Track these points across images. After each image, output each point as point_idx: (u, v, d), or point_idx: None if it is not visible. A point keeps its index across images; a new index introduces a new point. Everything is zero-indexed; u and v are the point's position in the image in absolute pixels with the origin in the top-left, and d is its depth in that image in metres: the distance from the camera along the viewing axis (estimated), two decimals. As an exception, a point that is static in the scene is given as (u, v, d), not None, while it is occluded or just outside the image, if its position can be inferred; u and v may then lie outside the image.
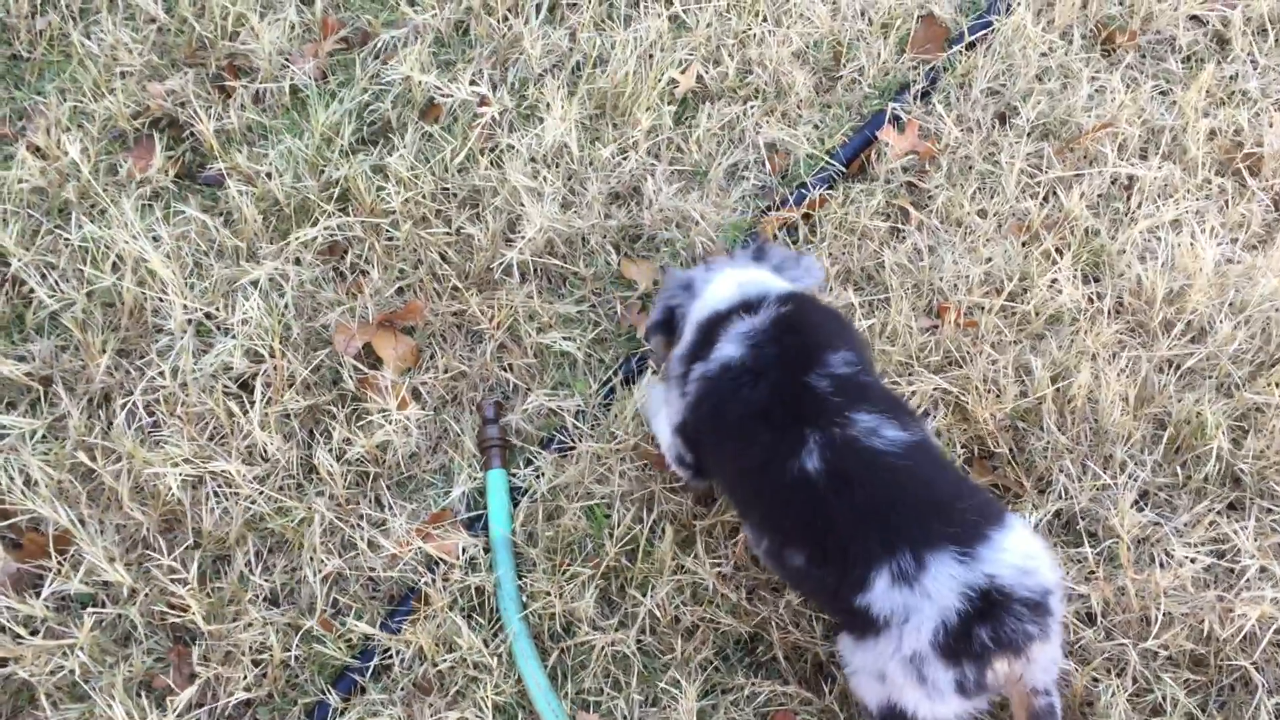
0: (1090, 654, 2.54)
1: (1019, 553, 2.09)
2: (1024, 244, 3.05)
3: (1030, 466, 2.77)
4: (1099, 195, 3.14)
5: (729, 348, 2.33)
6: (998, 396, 2.81)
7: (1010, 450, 2.79)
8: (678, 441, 2.50)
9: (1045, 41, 3.37)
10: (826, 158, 3.20)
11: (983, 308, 2.93)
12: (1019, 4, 3.44)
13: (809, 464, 2.14)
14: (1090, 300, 2.97)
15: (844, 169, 3.19)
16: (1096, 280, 3.03)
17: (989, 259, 3.01)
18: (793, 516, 2.23)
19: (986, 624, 2.03)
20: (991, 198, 3.13)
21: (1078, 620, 2.58)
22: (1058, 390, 2.81)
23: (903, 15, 3.44)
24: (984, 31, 3.40)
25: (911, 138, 3.21)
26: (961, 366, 2.86)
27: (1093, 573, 2.62)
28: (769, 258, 2.63)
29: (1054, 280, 2.96)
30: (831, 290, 2.97)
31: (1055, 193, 3.14)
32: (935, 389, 2.81)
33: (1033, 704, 2.18)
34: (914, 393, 2.80)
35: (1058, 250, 3.02)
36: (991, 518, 2.12)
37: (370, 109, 3.27)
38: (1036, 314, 2.93)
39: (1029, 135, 3.23)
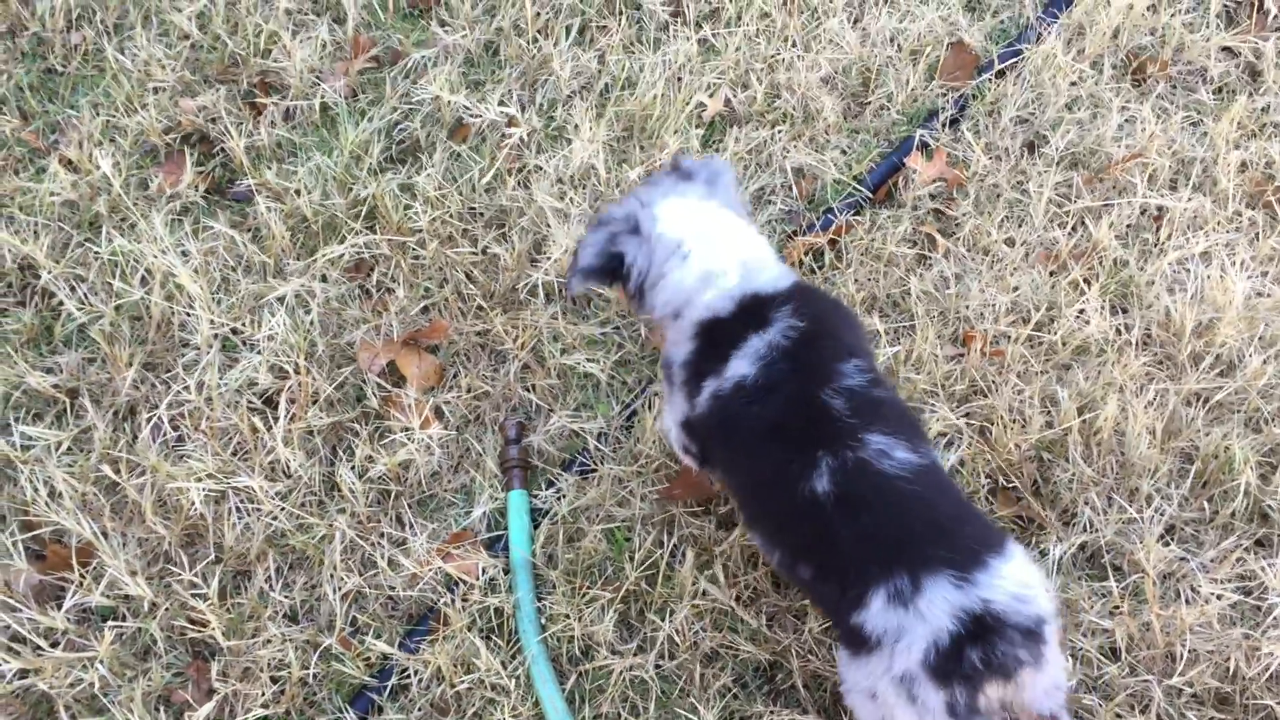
0: (1114, 690, 2.51)
1: (1015, 580, 2.06)
2: (1051, 273, 3.04)
3: (1055, 498, 2.75)
4: (1128, 226, 3.12)
5: (742, 365, 2.27)
6: (1023, 427, 2.79)
7: (1035, 482, 2.77)
8: (683, 434, 2.47)
9: (1075, 70, 3.36)
10: (854, 184, 3.19)
11: (1009, 337, 2.92)
12: (1050, 33, 3.43)
13: (819, 486, 2.13)
14: (1118, 331, 2.95)
15: (871, 195, 3.19)
16: (1124, 311, 3.01)
17: (1016, 288, 2.99)
18: (801, 534, 2.22)
19: (977, 647, 2.01)
20: (1019, 226, 3.12)
21: (1101, 655, 2.56)
22: (1084, 422, 2.79)
23: (932, 42, 3.43)
24: (1014, 59, 3.39)
25: (939, 165, 3.20)
26: (987, 396, 2.84)
27: (1117, 607, 2.60)
28: (695, 175, 2.51)
29: (1081, 311, 2.95)
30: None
31: (1084, 222, 3.13)
32: (960, 418, 2.79)
33: None
34: (936, 419, 2.78)
35: (1086, 280, 3.01)
36: (991, 544, 2.10)
37: (399, 128, 3.28)
38: (1063, 344, 2.91)
39: (1058, 164, 3.21)
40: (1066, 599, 2.62)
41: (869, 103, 3.36)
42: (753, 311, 2.31)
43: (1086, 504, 2.72)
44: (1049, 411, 2.83)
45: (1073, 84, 3.36)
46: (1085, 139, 3.25)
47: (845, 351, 2.27)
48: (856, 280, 3.03)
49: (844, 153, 3.29)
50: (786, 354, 2.25)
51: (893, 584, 2.05)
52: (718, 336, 2.32)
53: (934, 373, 2.85)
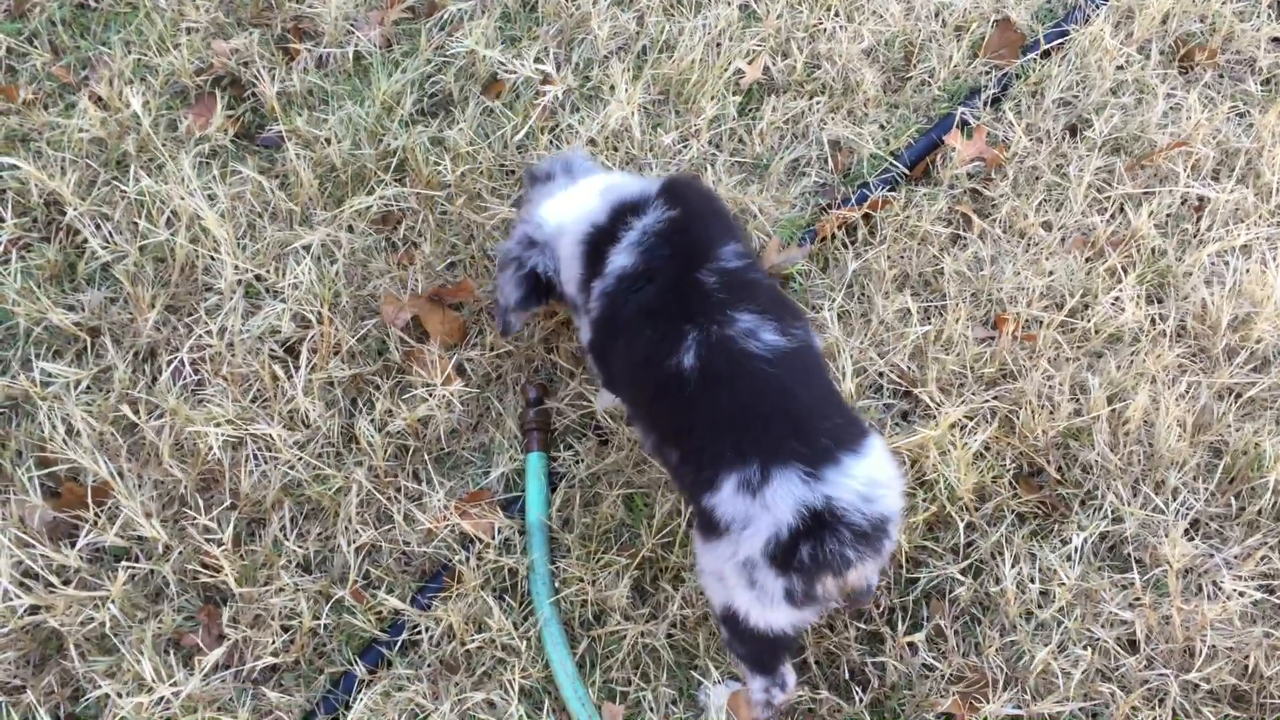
0: (1131, 682, 2.48)
1: (865, 478, 2.10)
2: (1088, 260, 2.99)
3: (1078, 486, 2.72)
4: (1168, 215, 3.07)
5: (621, 258, 2.33)
6: (1051, 413, 2.75)
7: (1060, 468, 2.73)
8: (593, 360, 2.53)
9: (1122, 54, 3.30)
10: (891, 159, 3.14)
11: (1041, 322, 2.87)
12: (1097, 15, 3.36)
13: (685, 361, 2.16)
14: (1152, 321, 2.90)
15: (908, 171, 3.14)
16: (1160, 301, 2.96)
17: (1051, 272, 2.95)
18: (669, 412, 2.26)
19: (810, 543, 2.07)
20: (1057, 210, 3.07)
21: (1120, 647, 2.53)
22: (1113, 411, 2.75)
23: (978, 19, 3.37)
24: (1060, 40, 3.33)
25: (979, 144, 3.15)
26: (1016, 380, 2.80)
27: (1138, 599, 2.57)
28: (553, 173, 2.66)
29: (1117, 298, 2.90)
30: (888, 296, 2.92)
31: (1123, 209, 3.07)
32: (988, 401, 2.76)
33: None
34: (963, 400, 2.75)
35: (1122, 268, 2.96)
36: (848, 441, 2.12)
37: (432, 80, 3.24)
38: (1096, 332, 2.87)
39: (1100, 149, 3.16)
40: (1086, 589, 2.59)
41: (910, 77, 3.31)
42: (625, 212, 2.39)
43: (1111, 492, 2.68)
44: (1078, 399, 2.79)
45: (1119, 68, 3.30)
46: (1129, 124, 3.19)
47: (723, 234, 2.34)
48: (889, 257, 2.98)
49: (882, 127, 3.24)
50: (663, 238, 2.31)
51: (744, 472, 2.09)
52: (598, 241, 2.40)
53: (963, 354, 2.81)
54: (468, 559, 2.62)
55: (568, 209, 2.53)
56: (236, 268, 2.90)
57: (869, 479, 2.09)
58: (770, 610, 2.18)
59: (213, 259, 2.92)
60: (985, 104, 3.24)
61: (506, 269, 2.60)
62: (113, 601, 2.51)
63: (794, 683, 2.41)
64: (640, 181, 2.51)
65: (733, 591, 2.20)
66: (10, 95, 3.14)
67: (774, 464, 2.07)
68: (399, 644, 2.56)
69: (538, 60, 3.23)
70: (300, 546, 2.64)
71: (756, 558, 2.10)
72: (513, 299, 2.60)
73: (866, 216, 3.06)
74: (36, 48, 3.24)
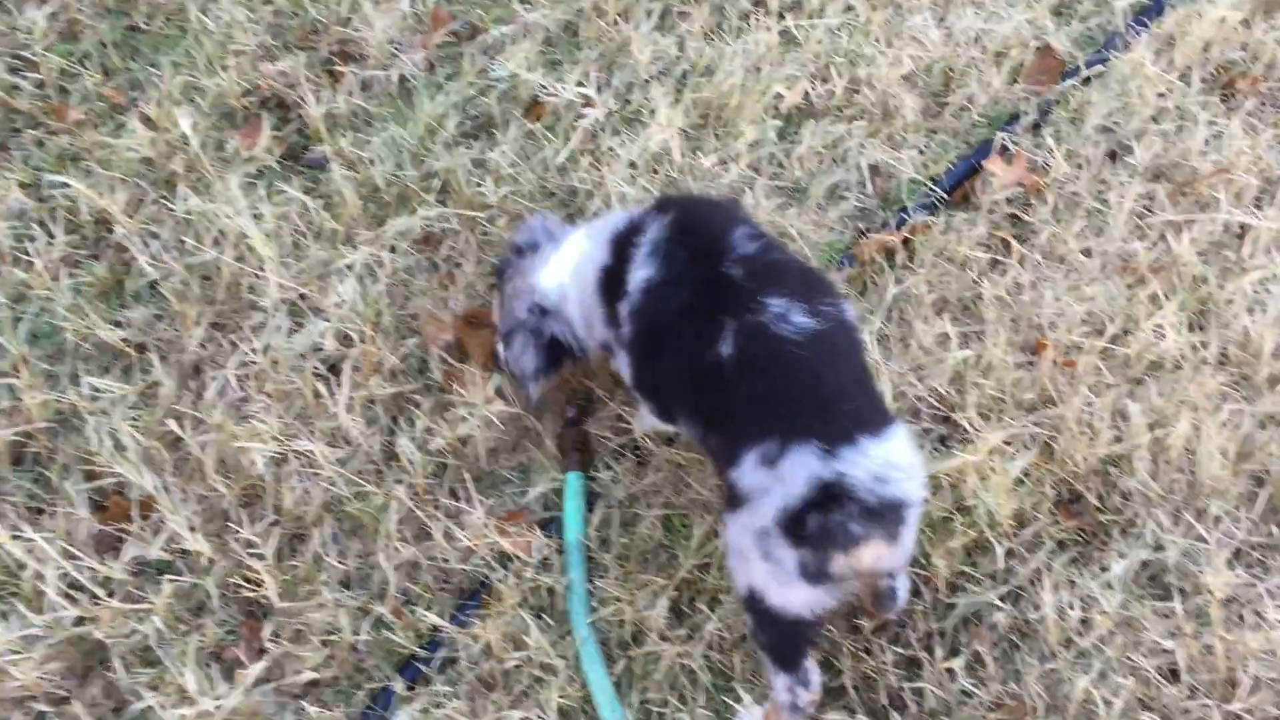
0: (1172, 712, 2.46)
1: (882, 460, 2.14)
2: (1129, 286, 2.98)
3: (1119, 513, 2.70)
4: (1210, 242, 3.06)
5: (641, 273, 2.38)
6: (1091, 440, 2.74)
7: (1100, 495, 2.72)
8: (642, 399, 2.58)
9: (1163, 81, 3.29)
10: (929, 184, 3.15)
11: (1081, 348, 2.87)
12: (1138, 42, 3.36)
13: (724, 350, 2.23)
14: (1194, 349, 2.89)
15: (947, 196, 3.14)
16: (1202, 329, 2.95)
17: (1091, 298, 2.94)
18: (711, 402, 2.32)
19: (819, 515, 2.11)
20: (1098, 236, 3.07)
21: (1161, 676, 2.51)
22: (1154, 438, 2.74)
23: (1018, 45, 3.38)
24: (1100, 67, 3.34)
25: (1019, 169, 3.15)
26: (1056, 406, 2.79)
27: (1180, 628, 2.55)
28: (536, 240, 2.71)
29: (1158, 326, 2.89)
30: (927, 320, 2.92)
31: (1164, 236, 3.07)
32: (1027, 426, 2.75)
33: (876, 585, 2.38)
34: (1002, 426, 2.74)
35: (1163, 295, 2.95)
36: (869, 423, 2.17)
37: (475, 103, 3.28)
38: (1137, 359, 2.86)
39: (1141, 175, 3.15)
40: (1127, 617, 2.57)
41: (949, 103, 3.32)
42: (625, 238, 2.45)
43: (1152, 520, 2.67)
44: (1118, 426, 2.78)
45: (1160, 95, 3.29)
46: (1170, 151, 3.19)
47: (727, 221, 2.41)
48: (928, 281, 2.99)
49: (921, 152, 3.25)
50: (674, 243, 2.37)
51: (764, 446, 2.16)
52: (610, 273, 2.46)
53: (1003, 379, 2.81)
54: (506, 577, 2.63)
55: (565, 267, 2.60)
56: (281, 286, 2.94)
57: (885, 461, 2.13)
58: (787, 587, 2.21)
59: (258, 277, 2.96)
60: (1025, 130, 3.24)
61: (516, 341, 2.68)
62: (157, 614, 2.54)
63: (818, 682, 2.40)
64: (622, 213, 2.58)
65: (752, 566, 2.24)
66: (62, 115, 3.20)
67: (793, 439, 2.14)
68: (437, 661, 2.58)
69: (579, 84, 3.27)
70: (341, 562, 2.67)
71: (770, 526, 2.16)
72: (531, 368, 2.68)
73: (905, 241, 3.06)
74: (88, 69, 3.31)
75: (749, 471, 2.19)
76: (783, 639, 2.35)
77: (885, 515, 2.13)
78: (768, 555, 2.19)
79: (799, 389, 2.20)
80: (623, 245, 2.44)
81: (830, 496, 2.11)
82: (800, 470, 2.12)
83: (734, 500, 2.25)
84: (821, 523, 2.11)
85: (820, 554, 2.14)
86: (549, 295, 2.63)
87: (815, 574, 2.17)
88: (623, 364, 2.54)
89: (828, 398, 2.20)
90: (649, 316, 2.39)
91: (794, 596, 2.22)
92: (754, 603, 2.29)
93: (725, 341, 2.22)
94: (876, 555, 2.17)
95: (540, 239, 2.71)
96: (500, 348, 2.77)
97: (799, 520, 2.13)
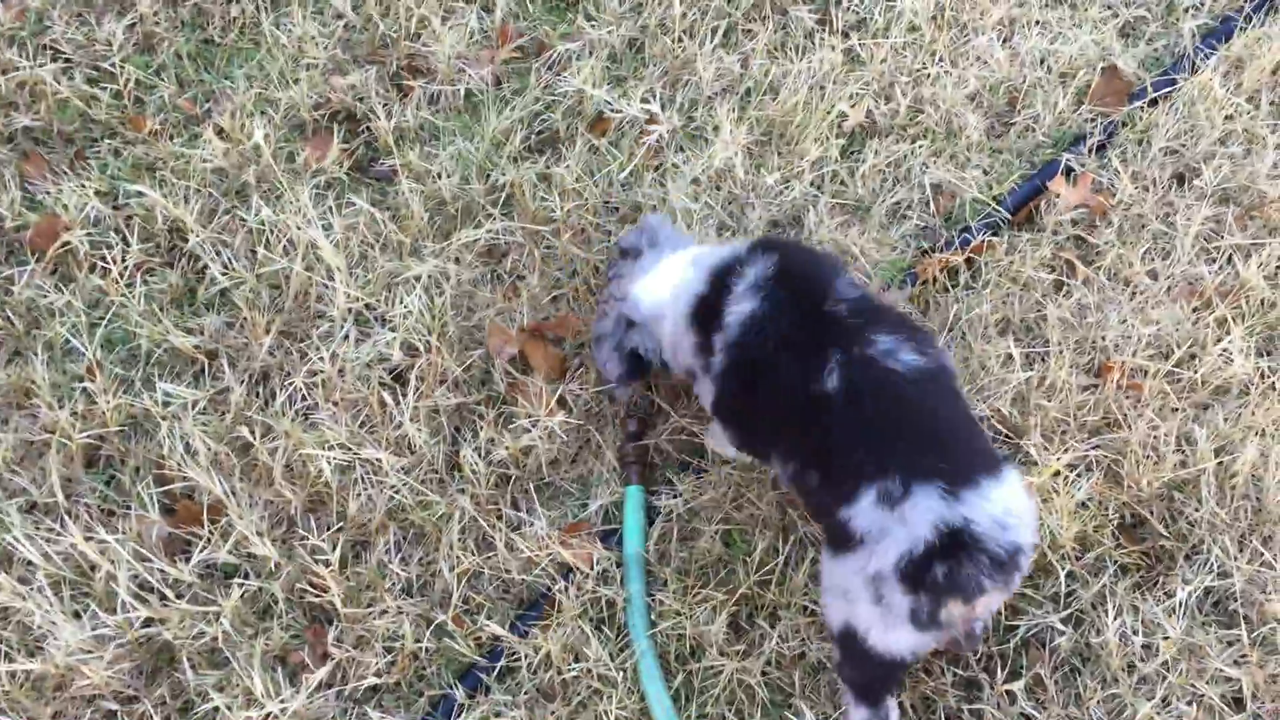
0: (1237, 741, 2.44)
1: (1002, 505, 2.09)
2: (1195, 310, 2.96)
3: (1183, 539, 2.68)
4: (1278, 266, 3.03)
5: (742, 306, 2.38)
6: (1156, 464, 2.72)
7: (1164, 520, 2.70)
8: (721, 427, 2.57)
9: (1231, 104, 3.27)
10: (993, 204, 3.15)
11: (1146, 371, 2.85)
12: (1206, 64, 3.34)
13: (829, 383, 2.20)
14: (1262, 375, 2.86)
15: (1010, 217, 3.14)
16: (1269, 354, 2.92)
17: (1157, 322, 2.92)
18: (812, 435, 2.27)
19: (946, 563, 2.06)
20: (1164, 259, 3.05)
21: (1225, 704, 2.48)
22: (1220, 464, 2.71)
23: (1083, 66, 3.37)
24: (1167, 89, 3.32)
25: (1083, 191, 3.14)
26: (1120, 429, 2.77)
27: (1245, 656, 2.52)
28: (640, 246, 2.74)
29: (1224, 350, 2.86)
30: (990, 340, 2.91)
31: (1231, 260, 3.04)
32: (1091, 449, 2.74)
33: (970, 627, 2.33)
34: (1066, 449, 2.73)
35: (1231, 319, 2.92)
36: (987, 465, 2.13)
37: (540, 118, 3.32)
38: (1203, 383, 2.83)
39: (1208, 199, 3.13)
40: (1191, 644, 2.55)
41: (1014, 123, 3.31)
42: (726, 272, 2.45)
43: (1217, 546, 2.64)
44: (1184, 450, 2.76)
45: (1227, 118, 3.27)
46: (1238, 175, 3.16)
47: (831, 270, 2.42)
48: (991, 301, 2.98)
49: (985, 172, 3.24)
50: (777, 282, 2.37)
51: (884, 484, 2.10)
52: (706, 303, 2.47)
53: (1067, 401, 2.80)
54: (567, 588, 2.66)
55: (663, 287, 2.61)
56: (348, 296, 2.99)
57: (1006, 506, 2.09)
58: (891, 630, 2.19)
59: (326, 287, 3.01)
60: (1090, 151, 3.23)
61: (602, 347, 2.75)
62: (224, 617, 2.58)
63: (896, 719, 2.41)
64: (725, 247, 2.58)
65: (856, 607, 2.20)
66: (138, 126, 3.27)
67: (915, 478, 2.08)
68: (497, 670, 2.60)
69: (644, 100, 3.29)
70: (404, 570, 2.70)
71: (887, 572, 2.11)
72: (614, 375, 2.74)
73: (969, 260, 3.06)
74: (163, 80, 3.38)
75: (866, 510, 2.13)
76: (873, 678, 2.34)
77: (1008, 565, 2.09)
78: (878, 599, 2.15)
79: (916, 425, 2.17)
80: (722, 278, 2.44)
81: (958, 544, 2.06)
82: (925, 514, 2.07)
83: (841, 540, 2.20)
84: (950, 574, 2.06)
85: (936, 601, 2.10)
86: (640, 309, 2.65)
87: (926, 621, 2.13)
88: (704, 391, 2.54)
89: (946, 436, 2.17)
90: (747, 349, 2.37)
91: (898, 640, 2.20)
92: (849, 641, 2.27)
93: (831, 375, 2.20)
94: (991, 605, 2.16)
95: (643, 247, 2.73)
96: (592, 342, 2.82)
97: (923, 568, 2.07)
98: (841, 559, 2.21)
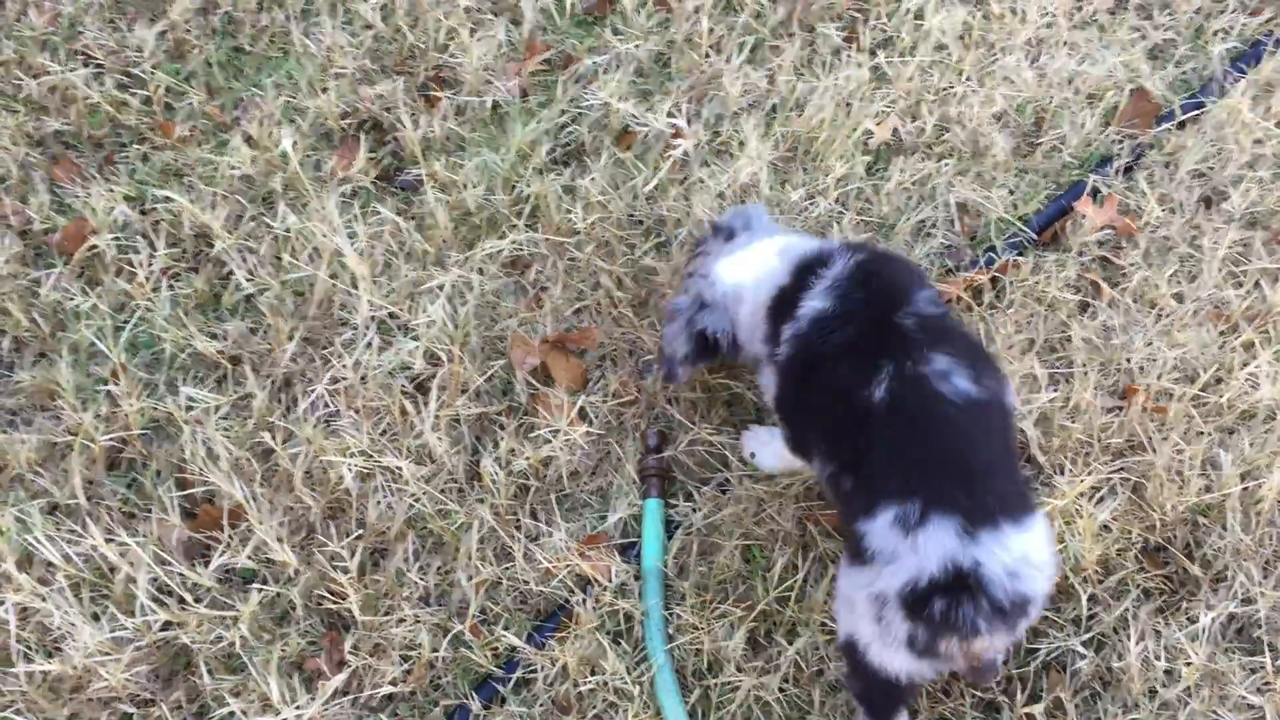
0: (1260, 770, 2.41)
1: (1019, 554, 2.06)
2: (1221, 333, 2.94)
3: (1207, 564, 2.66)
4: (1306, 292, 3.01)
5: (815, 302, 2.35)
6: (1180, 488, 2.70)
7: (1188, 545, 2.68)
8: (778, 410, 2.52)
9: (1260, 128, 3.25)
10: (1018, 223, 3.14)
11: (1172, 394, 2.83)
12: (1235, 88, 3.33)
13: (876, 393, 2.17)
14: (1289, 399, 2.84)
15: (1036, 237, 3.12)
16: (1297, 379, 2.90)
17: (1183, 345, 2.90)
18: (852, 442, 2.24)
19: (946, 599, 2.04)
20: (1190, 282, 3.03)
21: (1248, 732, 2.46)
22: (1246, 489, 2.69)
23: (1112, 87, 3.36)
24: (1196, 112, 3.30)
25: (1110, 212, 3.12)
26: (1145, 453, 2.75)
27: (1268, 684, 2.49)
28: (735, 228, 2.71)
29: (1251, 374, 2.84)
30: (1014, 360, 2.90)
31: (1259, 284, 3.02)
32: (1115, 472, 2.72)
33: (979, 662, 2.24)
34: (1090, 471, 2.71)
35: (1258, 343, 2.90)
36: (1013, 509, 2.10)
37: (566, 130, 3.33)
38: (1229, 407, 2.81)
39: (1236, 222, 3.11)
40: (1214, 670, 2.52)
41: (1040, 143, 3.30)
42: (810, 267, 2.42)
43: (1242, 573, 2.62)
44: (1208, 475, 2.73)
45: (1256, 141, 3.25)
46: (1266, 199, 3.14)
47: (915, 280, 2.38)
48: (1016, 321, 2.97)
49: (1011, 191, 3.23)
50: (856, 283, 2.34)
51: (904, 507, 2.08)
52: (785, 299, 2.43)
53: (1090, 423, 2.78)
54: (585, 601, 2.65)
55: (746, 270, 2.57)
56: (372, 304, 3.00)
57: (1022, 556, 2.06)
58: (889, 651, 2.18)
59: (350, 295, 3.02)
60: (1117, 172, 3.22)
61: (675, 323, 2.66)
62: (242, 622, 2.58)
63: None
64: (816, 240, 2.56)
65: (859, 620, 2.21)
66: (168, 131, 3.30)
67: (935, 509, 2.06)
68: (514, 681, 2.60)
69: (669, 114, 3.30)
70: (421, 579, 2.70)
71: (890, 595, 2.10)
72: (680, 353, 2.66)
73: (993, 280, 3.05)
74: (193, 87, 3.40)
75: (881, 530, 2.11)
76: (874, 692, 2.34)
77: (1012, 614, 2.08)
78: (879, 619, 2.14)
79: (948, 452, 2.13)
80: (805, 272, 2.41)
81: (962, 585, 2.04)
82: (936, 547, 2.05)
83: (856, 553, 2.19)
84: (946, 610, 2.05)
85: (934, 634, 2.10)
86: (717, 287, 2.61)
87: (923, 649, 2.13)
88: (768, 381, 2.52)
89: (976, 471, 2.13)
90: (809, 344, 2.34)
91: (894, 661, 2.19)
92: (852, 652, 2.27)
93: (879, 384, 2.16)
94: (992, 647, 2.14)
95: (738, 229, 2.71)
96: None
97: (923, 600, 2.06)
98: (854, 571, 2.21)
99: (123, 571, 2.62)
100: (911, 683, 2.27)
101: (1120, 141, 3.30)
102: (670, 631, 2.63)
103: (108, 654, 2.55)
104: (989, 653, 2.17)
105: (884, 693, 2.32)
